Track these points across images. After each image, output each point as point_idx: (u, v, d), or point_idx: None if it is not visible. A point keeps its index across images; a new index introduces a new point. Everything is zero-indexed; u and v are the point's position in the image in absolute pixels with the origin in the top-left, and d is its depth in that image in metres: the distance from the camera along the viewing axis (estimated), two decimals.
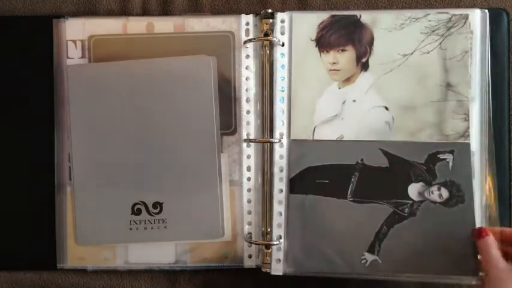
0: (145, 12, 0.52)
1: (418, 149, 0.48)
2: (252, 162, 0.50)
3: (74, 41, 0.50)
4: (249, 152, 0.50)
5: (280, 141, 0.48)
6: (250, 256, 0.50)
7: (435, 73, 0.48)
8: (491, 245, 0.43)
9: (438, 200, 0.47)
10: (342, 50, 0.48)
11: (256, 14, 0.50)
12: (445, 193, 0.47)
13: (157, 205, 0.49)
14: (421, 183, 0.47)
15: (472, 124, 0.48)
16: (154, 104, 0.49)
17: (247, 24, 0.50)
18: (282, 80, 0.49)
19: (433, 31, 0.48)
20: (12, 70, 0.50)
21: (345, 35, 0.49)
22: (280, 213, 0.48)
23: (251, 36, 0.50)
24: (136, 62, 0.49)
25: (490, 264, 0.42)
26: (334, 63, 0.48)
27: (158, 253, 0.50)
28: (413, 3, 0.52)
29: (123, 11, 0.52)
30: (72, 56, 0.50)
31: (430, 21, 0.48)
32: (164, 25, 0.50)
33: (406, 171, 0.47)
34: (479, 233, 0.44)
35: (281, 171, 0.48)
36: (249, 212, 0.50)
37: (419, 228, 0.47)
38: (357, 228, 0.47)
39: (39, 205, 0.50)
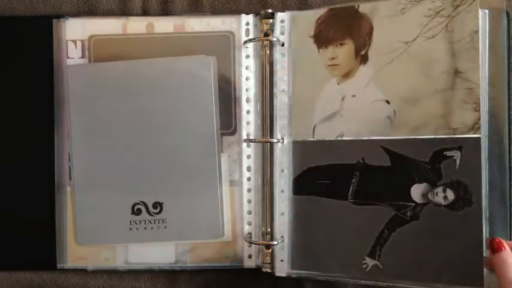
0: (145, 12, 0.52)
1: (422, 145, 0.44)
2: (252, 162, 0.50)
3: (74, 41, 0.50)
4: (249, 152, 0.50)
5: (280, 141, 0.48)
6: (250, 256, 0.50)
7: (441, 59, 0.43)
8: (509, 262, 0.39)
9: (443, 202, 0.43)
10: (341, 44, 0.47)
11: (256, 14, 0.50)
12: (450, 195, 0.43)
13: (157, 205, 0.49)
14: (424, 184, 0.44)
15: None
16: (154, 104, 0.49)
17: (247, 24, 0.50)
18: (282, 80, 0.49)
19: (438, 12, 0.44)
20: (12, 70, 0.50)
21: (342, 28, 0.47)
22: (282, 214, 0.48)
23: (251, 36, 0.50)
24: (136, 62, 0.49)
25: (507, 284, 0.38)
26: (333, 58, 0.47)
27: (158, 253, 0.50)
28: None
29: (123, 11, 0.52)
30: (72, 56, 0.50)
31: (434, 1, 0.44)
32: (164, 25, 0.50)
33: (408, 171, 0.44)
34: (494, 246, 0.40)
35: (282, 171, 0.48)
36: (249, 212, 0.50)
37: (422, 233, 0.44)
38: (358, 231, 0.46)
39: (39, 205, 0.50)
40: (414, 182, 0.44)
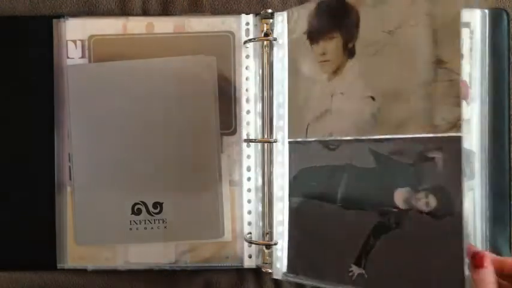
0: (145, 12, 0.52)
1: (405, 145, 0.40)
2: (252, 162, 0.50)
3: (74, 41, 0.50)
4: (249, 152, 0.50)
5: (278, 141, 0.48)
6: (250, 256, 0.50)
7: (424, 48, 0.39)
8: (489, 281, 0.34)
9: (425, 209, 0.38)
10: (330, 38, 0.44)
11: (256, 14, 0.50)
12: (432, 201, 0.38)
13: (157, 205, 0.49)
14: (407, 188, 0.40)
15: (473, 122, 0.47)
16: (154, 104, 0.49)
17: (247, 24, 0.50)
18: (282, 79, 0.49)
19: None
20: (12, 70, 0.50)
21: (331, 21, 0.44)
22: (281, 216, 0.48)
23: (251, 36, 0.50)
24: (136, 62, 0.49)
25: None
26: (324, 53, 0.45)
27: (158, 253, 0.50)
28: None
29: (123, 11, 0.52)
30: (72, 56, 0.50)
31: None
32: (164, 25, 0.50)
33: (392, 174, 0.40)
34: (476, 262, 0.35)
35: (281, 172, 0.48)
36: (249, 212, 0.50)
37: (404, 242, 0.39)
38: (346, 237, 0.43)
39: (40, 205, 0.50)
40: (398, 186, 0.40)
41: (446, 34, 0.38)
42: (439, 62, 0.38)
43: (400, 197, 0.40)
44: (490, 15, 0.48)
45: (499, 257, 0.37)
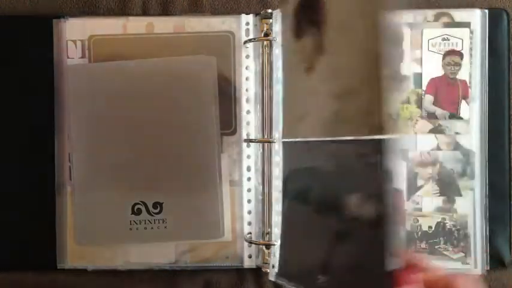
0: (145, 12, 0.52)
1: (357, 147, 0.37)
2: (252, 162, 0.50)
3: (74, 41, 0.50)
4: (249, 152, 0.50)
5: (276, 141, 0.48)
6: (250, 256, 0.50)
7: (375, 42, 0.35)
8: None
9: (368, 216, 0.36)
10: (311, 34, 0.42)
11: (256, 14, 0.50)
12: (372, 207, 0.35)
13: (157, 205, 0.49)
14: (357, 194, 0.37)
15: (472, 122, 0.47)
16: (154, 104, 0.49)
17: (247, 24, 0.50)
18: (279, 79, 0.48)
19: None
20: (12, 70, 0.50)
21: (310, 17, 0.43)
22: (276, 218, 0.48)
23: (251, 36, 0.50)
24: (136, 62, 0.49)
25: None
26: (303, 51, 0.43)
27: (158, 253, 0.50)
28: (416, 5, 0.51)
29: (123, 11, 0.52)
30: (72, 56, 0.50)
31: None
32: (164, 25, 0.50)
33: (348, 178, 0.38)
34: (397, 279, 0.31)
35: (278, 172, 0.48)
36: (249, 212, 0.50)
37: (354, 251, 0.37)
38: (315, 243, 0.41)
39: (39, 205, 0.50)
40: (352, 191, 0.38)
41: (384, 26, 0.35)
42: (380, 57, 0.35)
43: (352, 202, 0.37)
44: (490, 15, 0.48)
45: (434, 273, 0.33)
